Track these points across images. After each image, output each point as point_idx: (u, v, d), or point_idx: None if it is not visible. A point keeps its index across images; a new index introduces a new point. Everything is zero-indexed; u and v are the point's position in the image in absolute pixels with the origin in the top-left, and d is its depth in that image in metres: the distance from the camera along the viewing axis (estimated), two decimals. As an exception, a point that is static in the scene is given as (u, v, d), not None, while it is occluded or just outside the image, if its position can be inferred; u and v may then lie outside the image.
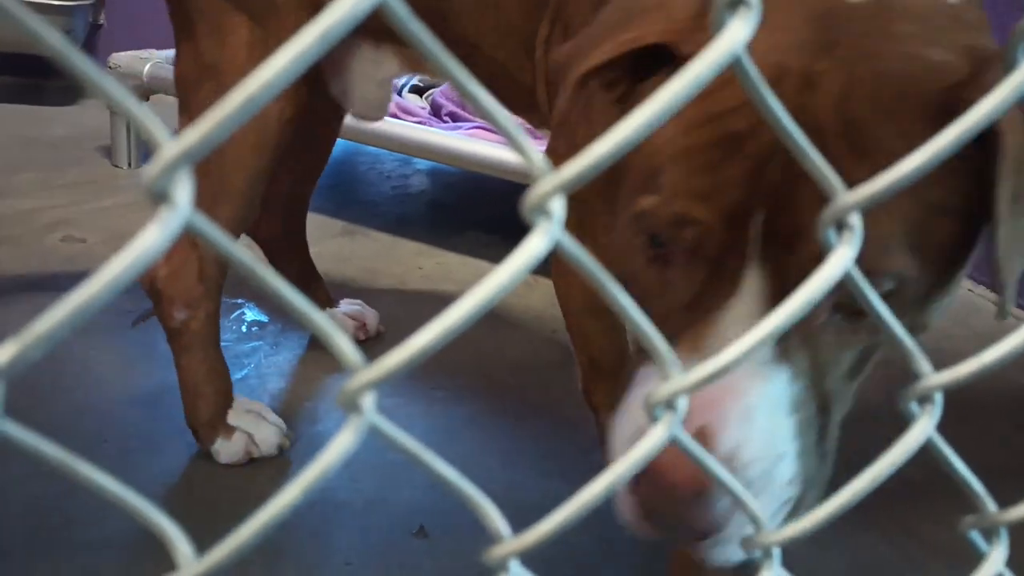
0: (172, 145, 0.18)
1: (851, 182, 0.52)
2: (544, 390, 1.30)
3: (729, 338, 0.52)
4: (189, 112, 1.02)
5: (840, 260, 0.23)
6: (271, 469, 1.05)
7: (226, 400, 1.09)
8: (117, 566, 0.88)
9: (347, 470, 1.11)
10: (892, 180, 0.23)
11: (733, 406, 0.51)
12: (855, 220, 0.23)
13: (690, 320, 0.55)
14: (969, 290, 1.90)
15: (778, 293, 0.52)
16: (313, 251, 1.40)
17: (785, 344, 0.53)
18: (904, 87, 0.51)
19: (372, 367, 0.22)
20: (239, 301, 1.45)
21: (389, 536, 0.98)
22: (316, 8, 0.94)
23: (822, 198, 0.52)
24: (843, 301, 0.52)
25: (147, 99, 1.94)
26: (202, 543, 0.24)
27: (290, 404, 1.20)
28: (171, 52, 2.06)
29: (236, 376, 1.24)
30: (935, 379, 0.25)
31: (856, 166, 0.49)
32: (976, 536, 0.29)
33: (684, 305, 0.56)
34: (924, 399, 0.26)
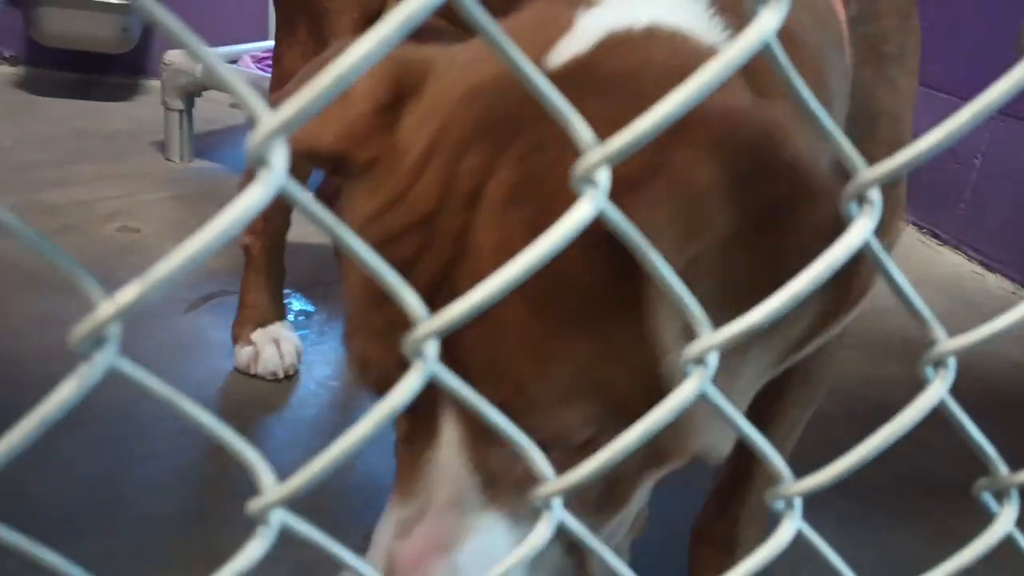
0: (271, 117, 0.21)
1: (515, 328, 0.42)
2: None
3: (438, 486, 0.47)
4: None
5: (860, 231, 0.25)
6: (311, 447, 1.09)
7: (260, 319, 1.27)
8: (169, 541, 0.92)
9: (389, 456, 1.14)
10: (910, 157, 0.25)
11: (438, 566, 0.46)
12: (875, 195, 0.25)
13: (406, 460, 0.50)
14: (1012, 293, 1.88)
15: (478, 432, 0.46)
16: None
17: (494, 489, 0.47)
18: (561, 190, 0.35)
19: (435, 318, 0.25)
20: (286, 291, 1.50)
21: (429, 518, 1.01)
22: (364, 8, 1.07)
23: (494, 327, 0.42)
24: (561, 436, 0.46)
25: (200, 95, 2.00)
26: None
27: (335, 391, 1.23)
28: (224, 49, 2.12)
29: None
30: (949, 344, 0.27)
31: (513, 301, 0.38)
32: (988, 498, 0.31)
33: (403, 440, 0.51)
34: (938, 364, 0.28)
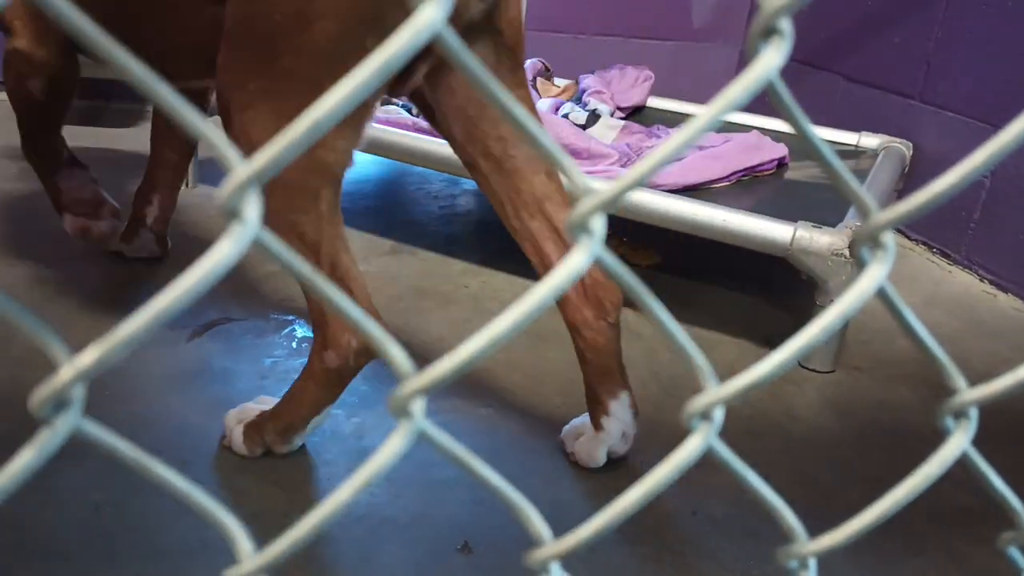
0: (244, 167, 0.20)
1: None
2: (588, 409, 1.31)
3: None
4: None
5: (874, 278, 0.24)
6: (316, 481, 1.08)
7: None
8: (169, 574, 0.91)
9: (392, 486, 1.12)
10: (928, 199, 0.24)
11: None
12: (888, 239, 0.24)
13: None
14: (1018, 309, 1.86)
15: None
16: (361, 269, 1.43)
17: None
18: None
19: (422, 374, 0.23)
20: (290, 318, 1.48)
21: (434, 551, 0.99)
22: None
23: None
24: None
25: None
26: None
27: (336, 419, 1.22)
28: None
29: (285, 391, 1.27)
30: (969, 394, 0.26)
31: None
32: (1015, 552, 0.29)
33: None
34: (959, 414, 0.26)
